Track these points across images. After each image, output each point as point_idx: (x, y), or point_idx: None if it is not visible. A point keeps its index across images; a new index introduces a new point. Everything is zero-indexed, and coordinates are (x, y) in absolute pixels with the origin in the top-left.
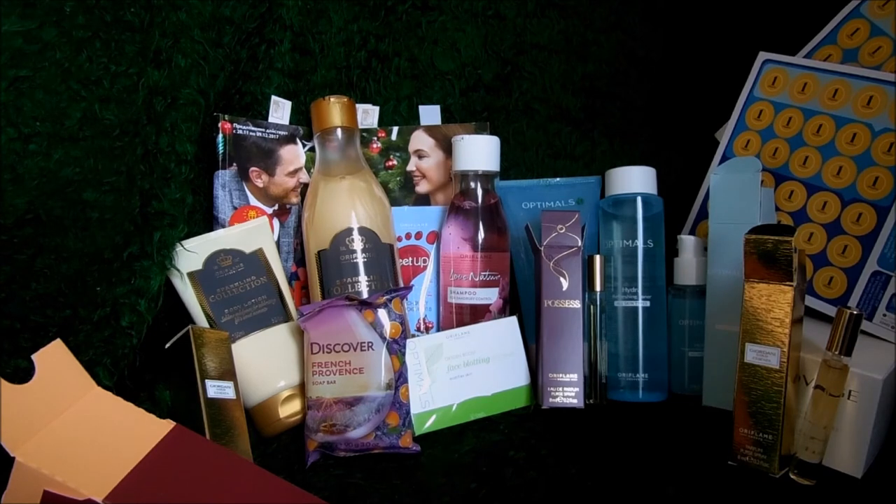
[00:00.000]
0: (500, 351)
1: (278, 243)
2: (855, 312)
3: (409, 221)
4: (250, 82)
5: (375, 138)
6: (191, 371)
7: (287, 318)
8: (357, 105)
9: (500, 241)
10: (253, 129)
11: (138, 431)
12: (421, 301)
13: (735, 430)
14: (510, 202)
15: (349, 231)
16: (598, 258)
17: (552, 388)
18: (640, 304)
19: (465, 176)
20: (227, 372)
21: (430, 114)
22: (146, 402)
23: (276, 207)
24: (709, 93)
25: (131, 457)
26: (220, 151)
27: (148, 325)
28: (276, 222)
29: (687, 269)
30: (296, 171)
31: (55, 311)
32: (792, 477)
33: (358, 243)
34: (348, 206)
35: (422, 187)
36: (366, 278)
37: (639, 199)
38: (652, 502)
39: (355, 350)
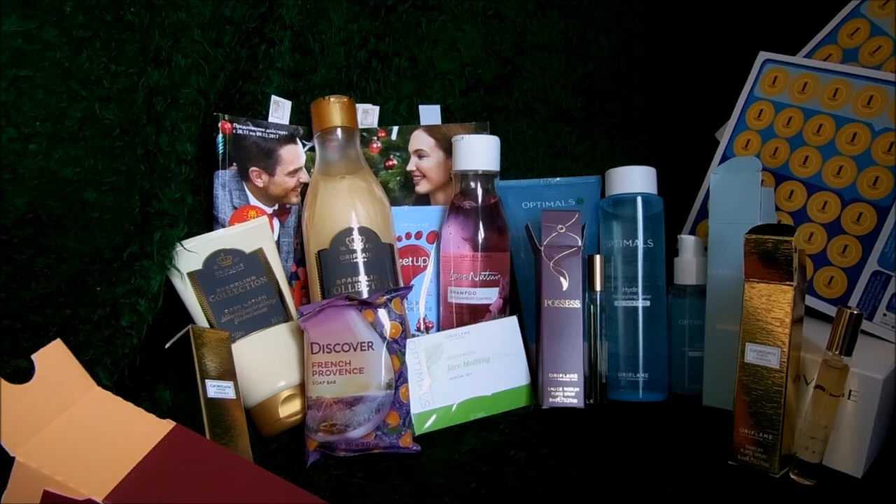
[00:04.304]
0: (500, 351)
1: (278, 243)
2: (855, 312)
3: (409, 221)
4: (250, 82)
5: (375, 138)
6: (191, 371)
7: (287, 318)
8: (357, 105)
9: (500, 241)
10: (253, 128)
11: (138, 431)
12: (421, 301)
13: (735, 429)
14: (510, 202)
15: (349, 231)
16: (598, 258)
17: (552, 388)
18: (640, 303)
19: (465, 176)
20: (227, 372)
21: (430, 113)
22: (146, 402)
23: (276, 207)
24: (709, 93)
25: (131, 457)
26: (220, 151)
27: (148, 325)
28: (276, 222)
29: (687, 268)
30: (296, 171)
31: (55, 311)
32: (792, 477)
33: (358, 243)
34: (348, 206)
35: (422, 187)
36: (366, 278)
37: (639, 198)
38: (652, 502)
39: (355, 350)
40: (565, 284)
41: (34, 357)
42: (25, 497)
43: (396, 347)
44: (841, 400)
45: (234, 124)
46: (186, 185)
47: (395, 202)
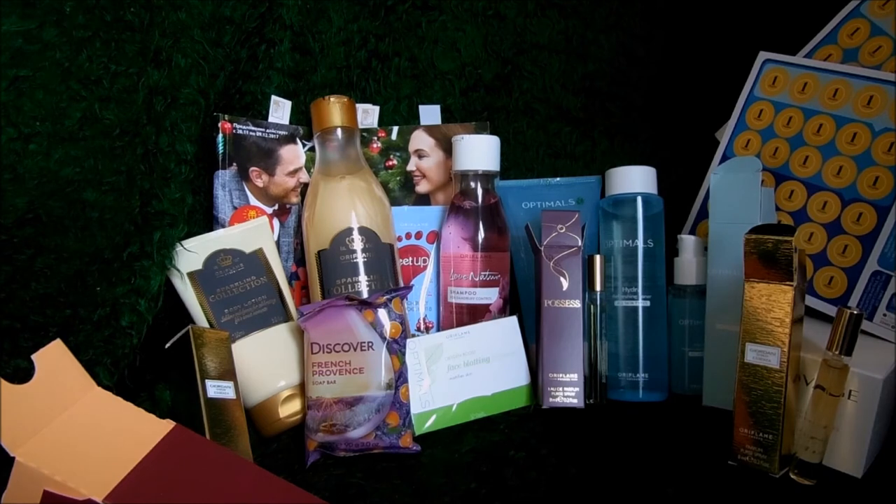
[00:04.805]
0: (500, 351)
1: (278, 243)
2: (855, 312)
3: (409, 221)
4: (250, 82)
5: (375, 138)
6: (191, 371)
7: (287, 317)
8: (357, 105)
9: (500, 241)
10: (253, 128)
11: (138, 431)
12: (421, 301)
13: (735, 429)
14: (510, 202)
15: (349, 231)
16: (598, 258)
17: (552, 388)
18: (640, 303)
19: (465, 176)
20: (227, 372)
21: (430, 113)
22: (146, 402)
23: (276, 207)
24: (709, 93)
25: (131, 457)
26: (220, 151)
27: (148, 325)
28: (276, 222)
29: (687, 268)
30: (296, 171)
31: (55, 311)
32: (792, 477)
33: (358, 243)
34: (348, 206)
35: (422, 187)
36: (366, 278)
37: (639, 198)
38: (652, 502)
39: (355, 350)
40: (565, 284)
41: (34, 357)
42: (25, 497)
43: (396, 347)
44: (841, 400)
45: (234, 124)
46: (186, 185)
47: (395, 202)
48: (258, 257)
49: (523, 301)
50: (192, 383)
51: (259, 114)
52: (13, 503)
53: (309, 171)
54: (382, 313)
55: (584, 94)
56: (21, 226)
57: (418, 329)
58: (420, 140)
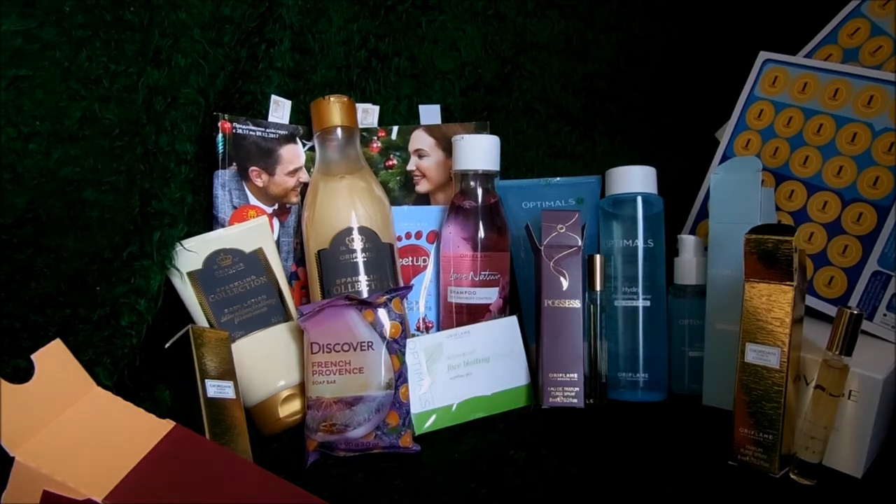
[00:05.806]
0: (500, 350)
1: (278, 243)
2: (855, 312)
3: (409, 221)
4: (250, 82)
5: (375, 138)
6: (191, 371)
7: (287, 317)
8: (357, 104)
9: (500, 241)
10: (253, 128)
11: (138, 431)
12: (421, 301)
13: (735, 429)
14: (510, 202)
15: (349, 231)
16: (598, 258)
17: (552, 388)
18: (641, 303)
19: (465, 175)
20: (227, 372)
21: (429, 113)
22: (146, 402)
23: (275, 207)
24: (709, 93)
25: (131, 457)
26: (220, 151)
27: (148, 324)
28: (275, 222)
29: (687, 268)
30: (296, 171)
31: (55, 310)
32: (792, 477)
33: (358, 243)
34: (348, 206)
35: (422, 187)
36: (366, 278)
37: (639, 198)
38: (652, 502)
39: (355, 350)
40: (565, 284)
41: (34, 357)
42: (25, 497)
43: (396, 347)
44: (841, 400)
45: (234, 124)
46: (186, 184)
47: (395, 202)
48: (258, 257)
49: (523, 301)
50: (192, 383)
51: (259, 113)
52: (13, 503)
53: (309, 171)
54: (382, 313)
55: (584, 94)
56: (21, 225)
57: (418, 329)
58: (420, 140)
